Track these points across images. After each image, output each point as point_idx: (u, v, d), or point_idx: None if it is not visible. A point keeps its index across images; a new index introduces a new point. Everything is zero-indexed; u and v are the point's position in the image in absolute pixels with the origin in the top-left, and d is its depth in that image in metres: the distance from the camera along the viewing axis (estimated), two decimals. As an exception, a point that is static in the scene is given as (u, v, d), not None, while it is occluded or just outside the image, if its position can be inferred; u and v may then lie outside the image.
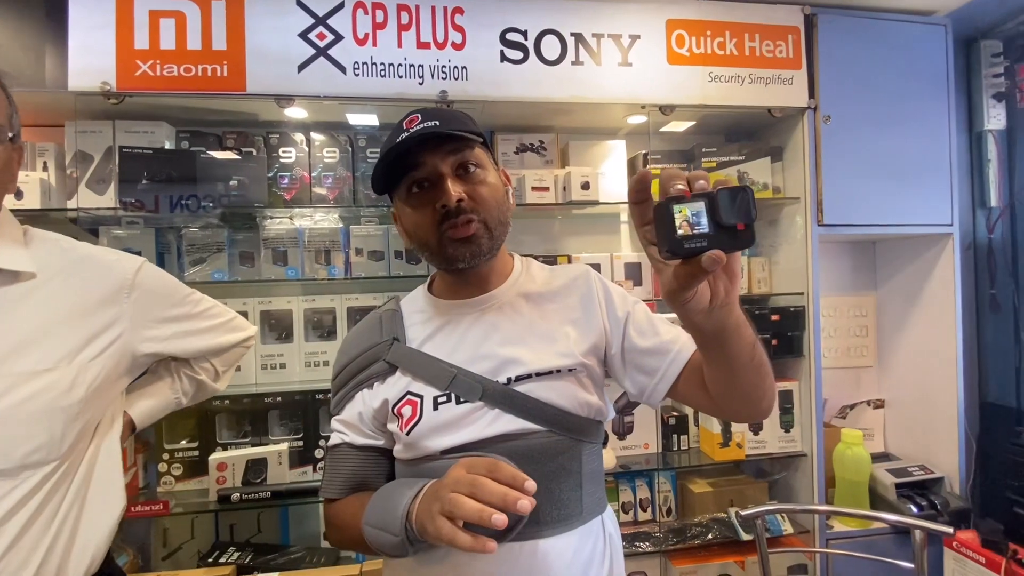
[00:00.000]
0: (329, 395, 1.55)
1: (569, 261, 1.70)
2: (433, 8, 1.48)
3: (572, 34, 1.55)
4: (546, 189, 1.66)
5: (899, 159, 1.71)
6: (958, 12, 1.74)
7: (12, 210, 0.81)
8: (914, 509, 1.68)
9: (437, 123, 0.72)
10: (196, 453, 1.52)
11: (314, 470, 1.56)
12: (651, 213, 0.47)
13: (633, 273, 1.76)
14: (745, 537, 1.63)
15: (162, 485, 1.51)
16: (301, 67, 1.42)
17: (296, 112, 1.55)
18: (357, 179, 1.62)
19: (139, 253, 1.48)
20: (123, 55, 1.35)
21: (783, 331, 1.73)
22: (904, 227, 1.74)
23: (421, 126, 0.72)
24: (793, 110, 1.69)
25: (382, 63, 1.46)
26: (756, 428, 1.73)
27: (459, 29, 1.50)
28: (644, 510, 1.73)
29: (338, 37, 1.44)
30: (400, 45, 1.47)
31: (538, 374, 0.73)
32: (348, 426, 0.81)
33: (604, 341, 0.77)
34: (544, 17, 1.53)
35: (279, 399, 1.55)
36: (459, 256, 0.74)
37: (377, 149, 1.64)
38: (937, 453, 1.81)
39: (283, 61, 1.41)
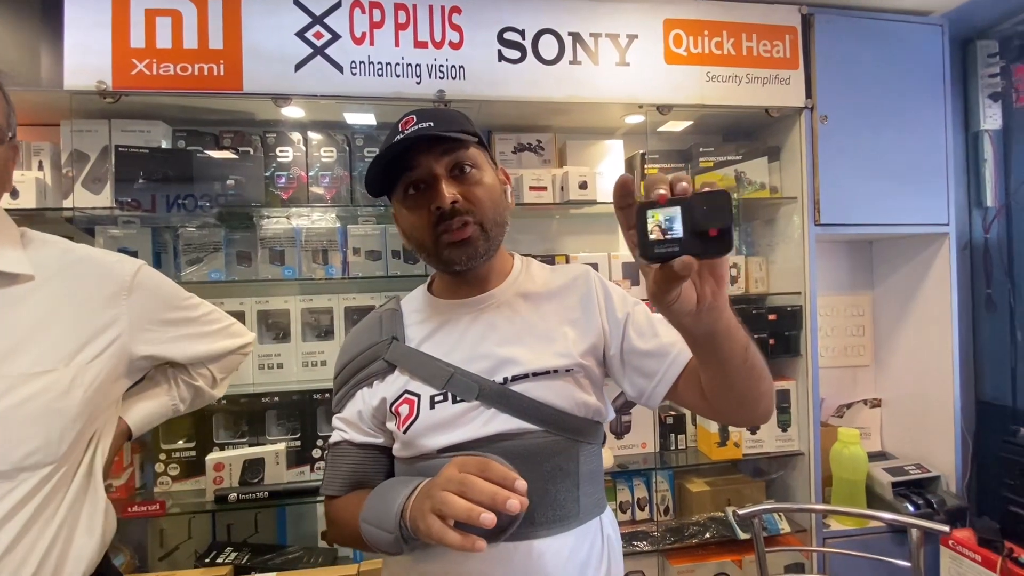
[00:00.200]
0: (326, 395, 1.57)
1: (567, 261, 1.70)
2: (431, 7, 1.48)
3: (570, 34, 1.55)
4: (544, 189, 1.66)
5: (896, 159, 1.72)
6: (954, 12, 1.74)
7: (7, 209, 0.80)
8: (911, 508, 1.68)
9: (432, 124, 0.72)
10: (193, 453, 1.51)
11: (312, 470, 1.55)
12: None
13: (631, 273, 1.76)
14: (742, 536, 1.63)
15: (159, 485, 1.50)
16: (298, 66, 1.42)
17: (293, 111, 1.55)
18: (354, 178, 1.62)
19: (135, 253, 1.50)
20: (119, 54, 1.35)
21: (780, 330, 1.73)
22: (900, 227, 1.75)
23: (416, 127, 0.72)
24: (790, 110, 1.69)
25: (379, 62, 1.46)
26: (753, 427, 1.74)
27: (456, 28, 1.49)
28: (642, 509, 1.74)
29: (335, 36, 1.44)
30: (397, 44, 1.47)
31: (535, 374, 0.73)
32: (348, 424, 0.81)
33: (603, 342, 0.77)
34: (542, 17, 1.53)
35: (276, 399, 1.55)
36: (455, 259, 0.74)
37: (375, 148, 1.63)
38: (933, 452, 1.82)
39: (280, 60, 1.41)
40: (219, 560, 1.37)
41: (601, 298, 0.78)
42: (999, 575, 1.44)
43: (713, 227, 0.44)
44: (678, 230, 0.45)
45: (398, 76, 1.47)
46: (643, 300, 0.80)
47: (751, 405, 0.66)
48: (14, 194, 1.39)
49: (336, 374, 0.85)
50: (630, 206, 0.48)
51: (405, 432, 0.74)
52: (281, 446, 1.52)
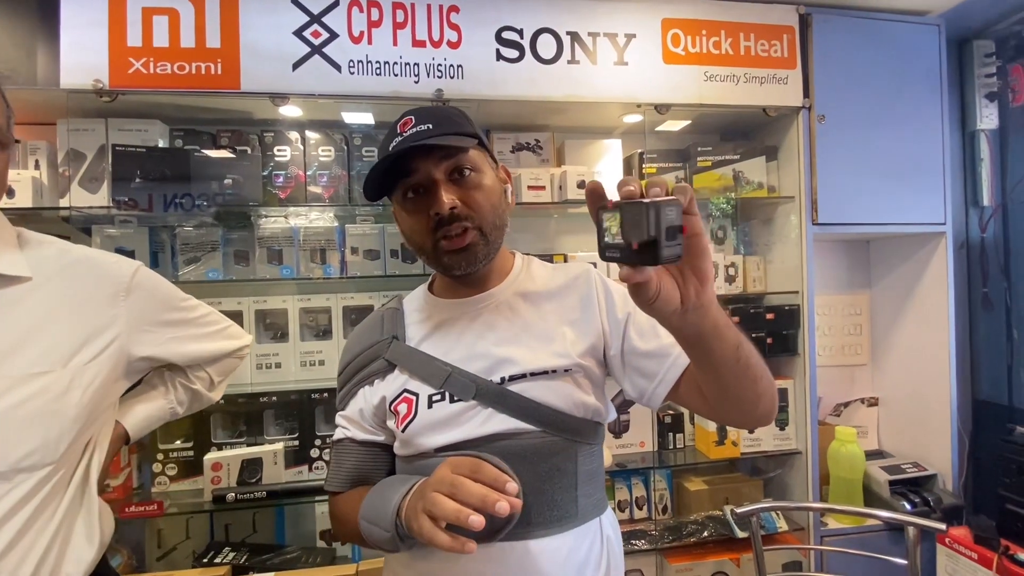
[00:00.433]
0: (325, 395, 1.57)
1: (565, 260, 1.70)
2: (428, 6, 1.48)
3: (568, 33, 1.55)
4: (542, 188, 1.66)
5: (893, 158, 1.72)
6: (951, 12, 1.75)
7: (3, 209, 0.80)
8: (907, 506, 1.69)
9: (430, 126, 0.71)
10: (191, 453, 1.51)
11: (310, 470, 1.55)
12: None
13: (629, 272, 1.76)
14: (740, 534, 1.63)
15: (157, 485, 1.50)
16: (296, 65, 1.42)
17: (291, 110, 1.54)
18: (352, 178, 1.62)
19: (132, 252, 1.49)
20: (116, 52, 1.34)
21: (778, 329, 1.74)
22: (898, 226, 1.75)
23: (415, 129, 0.71)
24: (788, 109, 1.69)
25: (377, 61, 1.45)
26: (751, 426, 1.74)
27: (455, 27, 1.49)
28: (640, 508, 1.74)
29: (333, 35, 1.43)
30: (395, 43, 1.46)
31: (533, 374, 0.73)
32: (351, 422, 0.82)
33: (603, 342, 0.77)
34: (540, 16, 1.53)
35: (274, 399, 1.55)
36: (454, 265, 0.74)
37: (373, 148, 1.63)
38: (930, 450, 1.83)
39: (278, 59, 1.41)
40: (217, 560, 1.37)
41: (601, 298, 0.78)
42: (995, 572, 1.45)
43: (633, 240, 0.43)
44: (620, 237, 0.45)
45: (396, 75, 1.46)
46: None
47: (749, 406, 0.65)
48: (10, 193, 1.38)
49: (339, 372, 0.85)
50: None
51: (403, 431, 0.74)
52: (279, 446, 1.52)
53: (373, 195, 0.76)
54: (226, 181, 1.51)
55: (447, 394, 0.74)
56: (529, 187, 1.65)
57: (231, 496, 1.42)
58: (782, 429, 1.76)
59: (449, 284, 0.82)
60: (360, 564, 1.29)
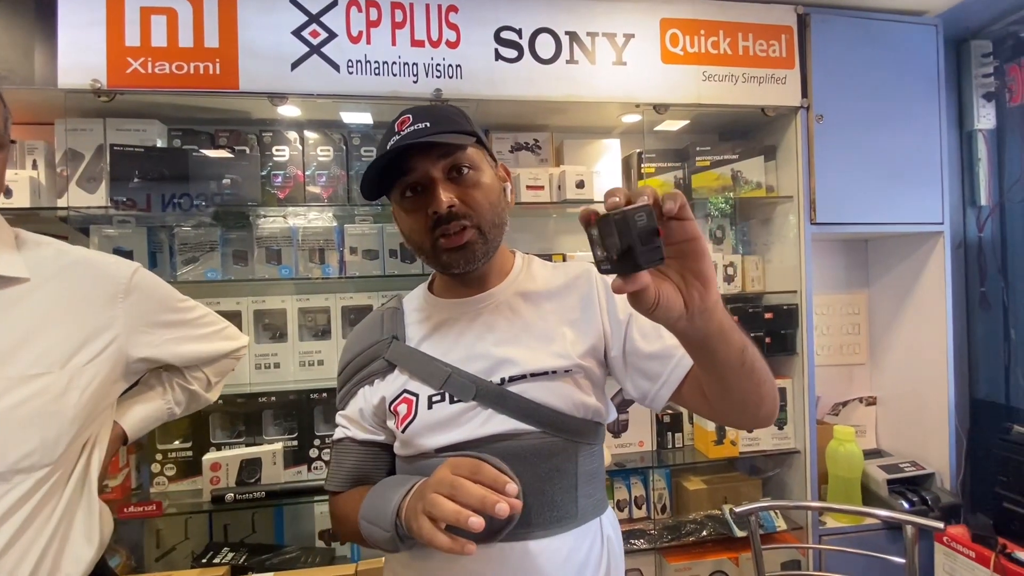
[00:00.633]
0: (324, 394, 1.57)
1: (564, 259, 1.71)
2: (427, 6, 1.48)
3: (567, 33, 1.55)
4: (541, 188, 1.66)
5: (891, 158, 1.72)
6: (949, 12, 1.75)
7: (0, 209, 0.80)
8: (905, 505, 1.70)
9: (428, 124, 0.71)
10: (189, 453, 1.51)
11: (309, 470, 1.55)
12: None
13: (628, 272, 1.76)
14: (739, 534, 1.64)
15: (155, 486, 1.50)
16: (294, 65, 1.42)
17: (289, 110, 1.54)
18: (351, 178, 1.62)
19: (131, 252, 1.49)
20: (114, 52, 1.34)
21: (776, 329, 1.74)
22: (895, 225, 1.76)
23: (412, 128, 0.71)
24: (786, 109, 1.70)
25: (376, 61, 1.45)
26: (750, 426, 1.74)
27: (453, 27, 1.49)
28: (639, 507, 1.74)
29: (332, 35, 1.43)
30: (394, 43, 1.46)
31: (532, 375, 0.73)
32: (351, 421, 0.82)
33: (604, 343, 0.76)
34: (538, 16, 1.53)
35: (273, 399, 1.54)
36: (453, 263, 0.74)
37: (371, 147, 1.63)
38: (928, 449, 1.83)
39: (276, 59, 1.41)
40: (216, 560, 1.37)
41: (602, 298, 0.77)
42: (993, 571, 1.45)
43: (611, 252, 0.44)
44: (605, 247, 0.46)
45: (395, 75, 1.46)
46: None
47: (752, 408, 0.65)
48: (7, 193, 1.38)
49: (339, 371, 0.85)
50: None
51: (403, 431, 0.74)
52: (278, 446, 1.52)
53: (371, 194, 0.76)
54: (224, 181, 1.51)
55: (447, 395, 0.73)
56: (528, 187, 1.65)
57: (230, 496, 1.42)
58: (780, 428, 1.76)
59: (449, 283, 0.81)
60: (359, 564, 1.29)
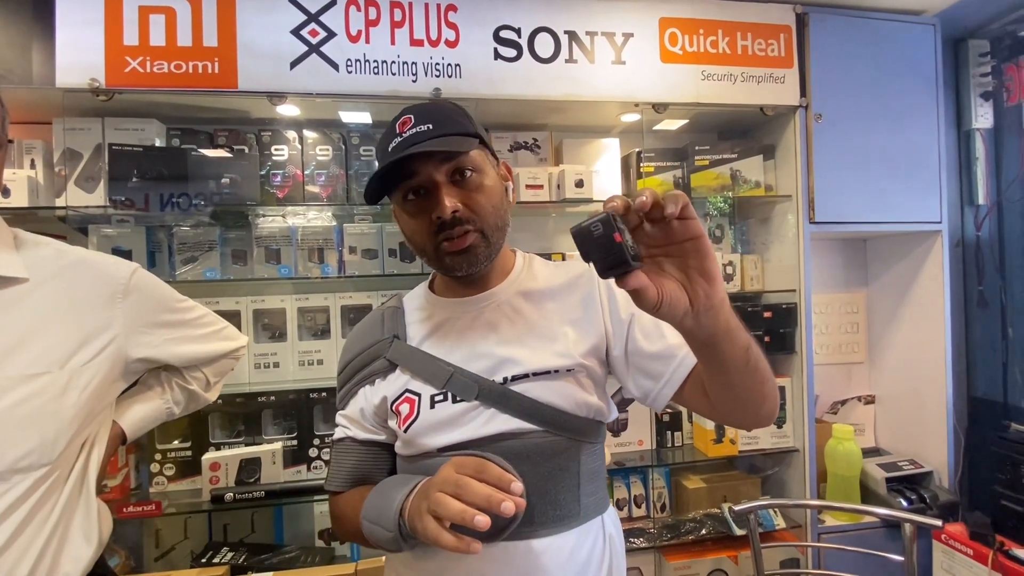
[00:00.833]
0: (323, 394, 1.57)
1: (563, 259, 1.71)
2: (426, 5, 1.48)
3: (566, 32, 1.55)
4: (540, 187, 1.66)
5: (889, 157, 1.73)
6: (947, 12, 1.76)
7: (-1, 208, 0.80)
8: (904, 503, 1.70)
9: (430, 126, 0.70)
10: (189, 453, 1.51)
11: (308, 469, 1.55)
12: None
13: (627, 271, 1.76)
14: (738, 532, 1.64)
15: (154, 485, 1.50)
16: (293, 64, 1.41)
17: (288, 109, 1.54)
18: (350, 177, 1.61)
19: (130, 252, 1.49)
20: (112, 51, 1.34)
21: (775, 328, 1.74)
22: (894, 224, 1.76)
23: (414, 130, 0.71)
24: (785, 108, 1.70)
25: (375, 60, 1.45)
26: (749, 424, 1.75)
27: (452, 26, 1.49)
28: (638, 506, 1.74)
29: (331, 34, 1.43)
30: (393, 42, 1.46)
31: (535, 374, 0.73)
32: (351, 421, 0.81)
33: (605, 343, 0.76)
34: (538, 15, 1.53)
35: (272, 398, 1.54)
36: (456, 266, 0.73)
37: (370, 147, 1.63)
38: (926, 447, 1.84)
39: (275, 58, 1.40)
40: (215, 560, 1.37)
41: (604, 297, 0.77)
42: (991, 568, 1.46)
43: (586, 261, 0.46)
44: None
45: (394, 74, 1.46)
46: None
47: (754, 407, 0.65)
48: (5, 193, 1.38)
49: (339, 371, 0.85)
50: None
51: (406, 431, 0.74)
52: (277, 445, 1.52)
53: (373, 198, 0.75)
54: (223, 180, 1.51)
55: (449, 394, 0.73)
56: (527, 186, 1.65)
57: (229, 496, 1.41)
58: (780, 427, 1.77)
59: (450, 283, 0.81)
60: (359, 564, 1.29)
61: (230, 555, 1.39)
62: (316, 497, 1.50)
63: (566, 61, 1.55)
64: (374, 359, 0.80)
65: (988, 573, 1.46)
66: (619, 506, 1.73)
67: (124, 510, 1.35)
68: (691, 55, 1.62)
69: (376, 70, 1.45)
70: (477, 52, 1.50)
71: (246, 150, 1.57)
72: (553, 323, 0.76)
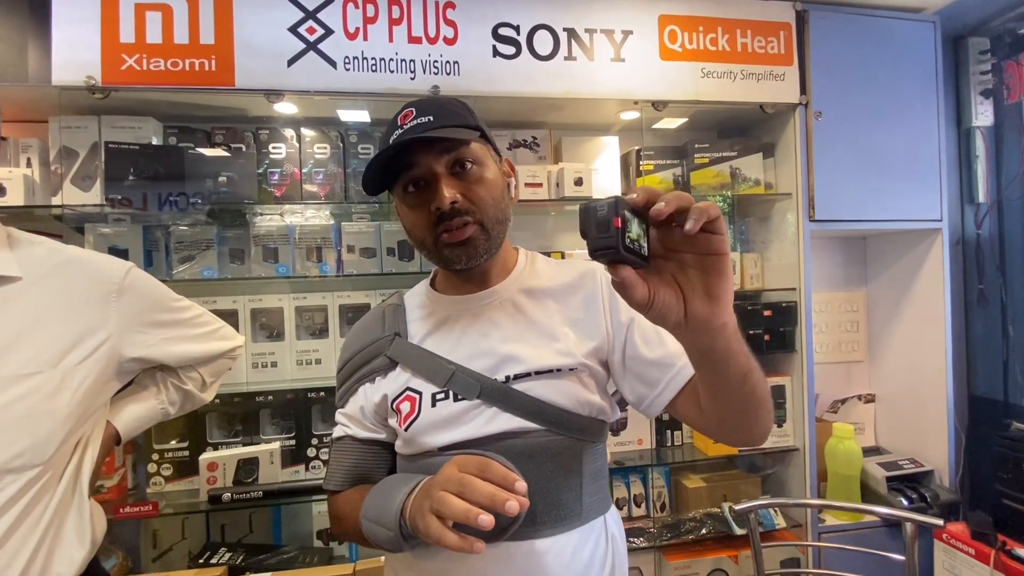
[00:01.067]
0: (321, 393, 1.56)
1: (562, 257, 1.70)
2: (424, 2, 1.47)
3: (564, 29, 1.54)
4: (539, 185, 1.66)
5: (889, 155, 1.72)
6: (946, 10, 1.75)
7: (-6, 207, 0.79)
8: (904, 502, 1.70)
9: (431, 118, 0.70)
10: (186, 453, 1.50)
11: (307, 469, 1.54)
12: None
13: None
14: (738, 531, 1.64)
15: (152, 486, 1.49)
16: (291, 61, 1.41)
17: (286, 107, 1.53)
18: (348, 175, 1.61)
19: (126, 251, 1.48)
20: (108, 49, 1.33)
21: (775, 326, 1.74)
22: (894, 223, 1.75)
23: (415, 122, 0.70)
24: (785, 106, 1.69)
25: (373, 58, 1.44)
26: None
27: (451, 24, 1.48)
28: (638, 506, 1.74)
29: (328, 31, 1.42)
30: (391, 40, 1.45)
31: (537, 372, 0.72)
32: (351, 419, 0.81)
33: (607, 345, 0.75)
34: (536, 12, 1.53)
35: (270, 398, 1.54)
36: (455, 258, 0.73)
37: (369, 145, 1.62)
38: (927, 446, 1.83)
39: (272, 55, 1.40)
40: (213, 561, 1.36)
41: (606, 299, 0.76)
42: (992, 568, 1.45)
43: (585, 239, 0.45)
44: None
45: (392, 72, 1.45)
46: None
47: (745, 429, 0.65)
48: (1, 191, 1.37)
49: (339, 369, 0.84)
50: None
51: (407, 430, 0.74)
52: (275, 445, 1.51)
53: (373, 189, 0.75)
54: (221, 179, 1.50)
55: (451, 393, 0.73)
56: (526, 184, 1.64)
57: (227, 496, 1.41)
58: (780, 426, 1.76)
59: (452, 280, 0.81)
60: (357, 564, 1.28)
61: (228, 555, 1.39)
62: (314, 497, 1.49)
63: (565, 58, 1.54)
64: (375, 357, 0.79)
65: (990, 573, 1.46)
66: (619, 505, 1.73)
67: (121, 510, 1.35)
68: (691, 52, 1.61)
69: (374, 67, 1.44)
70: (476, 49, 1.49)
71: (243, 148, 1.56)
72: (555, 322, 0.76)
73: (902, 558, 1.23)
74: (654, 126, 1.83)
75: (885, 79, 1.72)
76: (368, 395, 0.79)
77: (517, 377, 0.72)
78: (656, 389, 0.72)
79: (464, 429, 0.71)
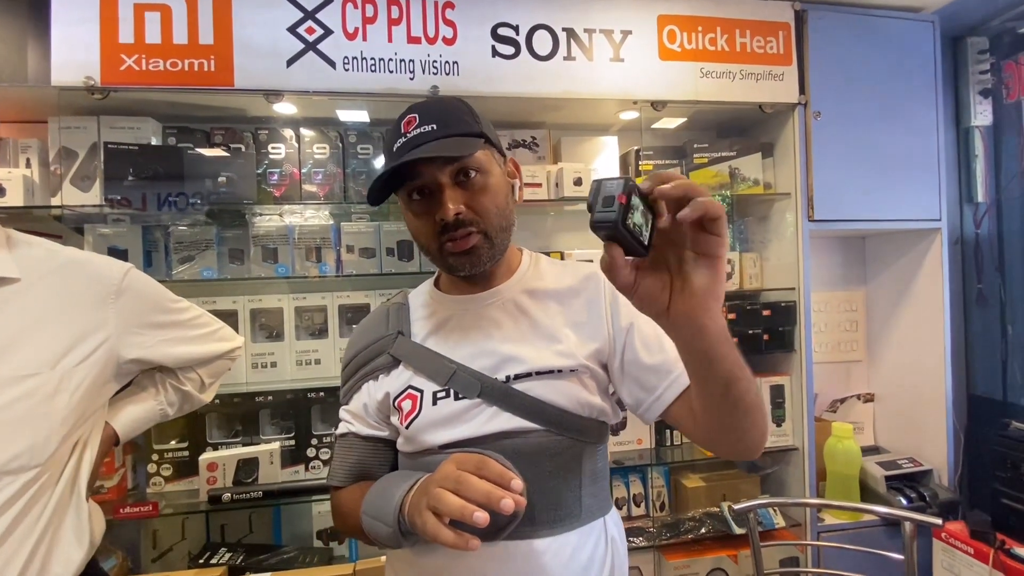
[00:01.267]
0: (321, 394, 1.56)
1: (562, 257, 1.70)
2: (424, 2, 1.47)
3: (564, 29, 1.54)
4: (538, 185, 1.66)
5: (888, 154, 1.72)
6: (945, 9, 1.75)
7: (-7, 207, 0.79)
8: (903, 501, 1.70)
9: (435, 126, 0.70)
10: (186, 453, 1.50)
11: (306, 469, 1.54)
12: None
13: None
14: (738, 531, 1.64)
15: (152, 486, 1.49)
16: (290, 62, 1.41)
17: (285, 107, 1.53)
18: (348, 175, 1.61)
19: (126, 251, 1.48)
20: (107, 49, 1.33)
21: (774, 326, 1.74)
22: (893, 222, 1.76)
23: (419, 130, 0.70)
24: (784, 106, 1.69)
25: (372, 58, 1.44)
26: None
27: (450, 24, 1.48)
28: (638, 505, 1.74)
29: (327, 31, 1.42)
30: (390, 40, 1.45)
31: (538, 373, 0.72)
32: (354, 416, 0.82)
33: (608, 348, 0.75)
34: (535, 12, 1.53)
35: (270, 398, 1.54)
36: (459, 266, 0.74)
37: (368, 145, 1.62)
38: (926, 446, 1.83)
39: (272, 55, 1.40)
40: (213, 561, 1.37)
41: (608, 303, 0.77)
42: (991, 567, 1.46)
43: (589, 207, 0.46)
44: None
45: (391, 72, 1.45)
46: None
47: (731, 442, 0.65)
48: (1, 192, 1.37)
49: (344, 366, 0.85)
50: None
51: (408, 427, 0.74)
52: (275, 445, 1.51)
53: (377, 199, 0.75)
54: (220, 179, 1.50)
55: (452, 391, 0.73)
56: (525, 184, 1.64)
57: (227, 496, 1.41)
58: (779, 425, 1.76)
59: (455, 280, 0.81)
60: (357, 564, 1.28)
61: (228, 556, 1.39)
62: (314, 497, 1.49)
63: (564, 59, 1.54)
64: (378, 355, 0.80)
65: (989, 572, 1.46)
66: (618, 505, 1.73)
67: (121, 511, 1.35)
68: (690, 52, 1.61)
69: (373, 68, 1.44)
70: (475, 49, 1.49)
71: (243, 148, 1.56)
72: (557, 323, 0.76)
73: (901, 557, 1.23)
74: (653, 126, 1.83)
75: (884, 79, 1.72)
76: (371, 392, 0.79)
77: (518, 377, 0.72)
78: (653, 395, 0.72)
79: (464, 428, 0.72)
